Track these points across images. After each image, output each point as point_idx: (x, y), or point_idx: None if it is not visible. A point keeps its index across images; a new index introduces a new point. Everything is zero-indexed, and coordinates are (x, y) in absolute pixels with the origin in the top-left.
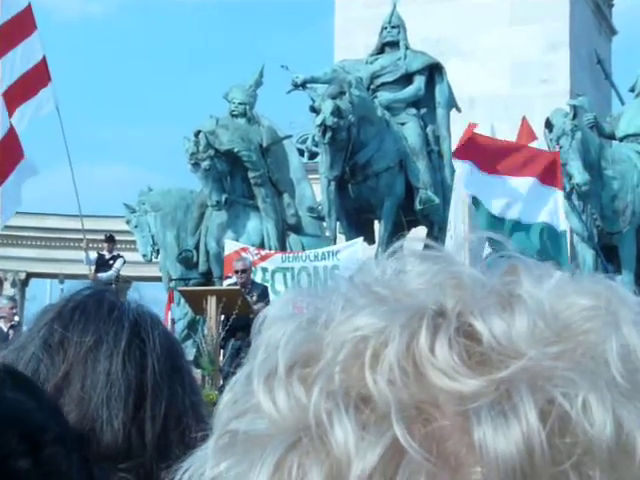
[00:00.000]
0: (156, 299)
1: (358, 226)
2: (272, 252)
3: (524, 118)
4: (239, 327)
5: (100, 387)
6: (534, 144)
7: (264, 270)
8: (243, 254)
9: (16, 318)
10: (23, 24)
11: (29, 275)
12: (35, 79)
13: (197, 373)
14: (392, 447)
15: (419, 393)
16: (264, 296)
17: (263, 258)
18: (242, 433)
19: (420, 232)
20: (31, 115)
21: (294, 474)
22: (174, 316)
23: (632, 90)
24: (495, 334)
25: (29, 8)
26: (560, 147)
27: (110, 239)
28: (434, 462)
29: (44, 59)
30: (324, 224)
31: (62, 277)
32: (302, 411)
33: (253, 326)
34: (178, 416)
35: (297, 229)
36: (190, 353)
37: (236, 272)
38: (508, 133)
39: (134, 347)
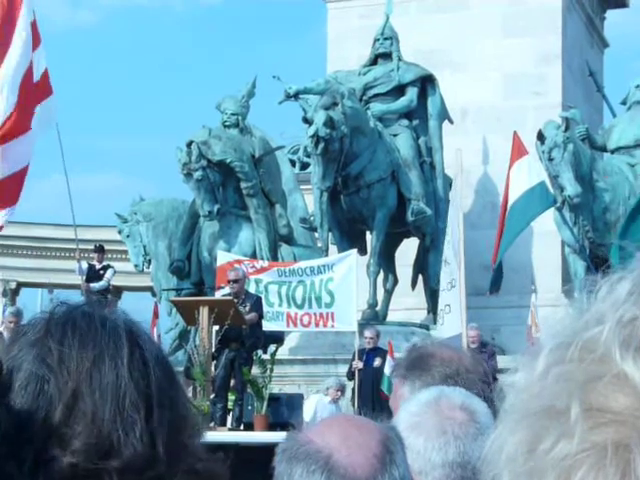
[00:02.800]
0: (147, 309)
1: (350, 237)
2: (267, 265)
3: (515, 133)
4: (232, 338)
5: (110, 400)
6: (524, 159)
7: (258, 282)
8: (236, 266)
9: None
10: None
11: (20, 285)
12: (41, 91)
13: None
14: None
15: None
16: (257, 306)
17: (259, 271)
18: (597, 402)
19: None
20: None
21: None
22: (160, 331)
23: (624, 103)
24: None
25: (34, 23)
26: (552, 159)
27: (100, 249)
28: None
29: (46, 71)
30: (316, 235)
31: (51, 287)
32: None
33: (586, 295)
34: (182, 421)
35: (289, 240)
36: (181, 364)
37: (228, 282)
38: (500, 145)
39: (136, 355)
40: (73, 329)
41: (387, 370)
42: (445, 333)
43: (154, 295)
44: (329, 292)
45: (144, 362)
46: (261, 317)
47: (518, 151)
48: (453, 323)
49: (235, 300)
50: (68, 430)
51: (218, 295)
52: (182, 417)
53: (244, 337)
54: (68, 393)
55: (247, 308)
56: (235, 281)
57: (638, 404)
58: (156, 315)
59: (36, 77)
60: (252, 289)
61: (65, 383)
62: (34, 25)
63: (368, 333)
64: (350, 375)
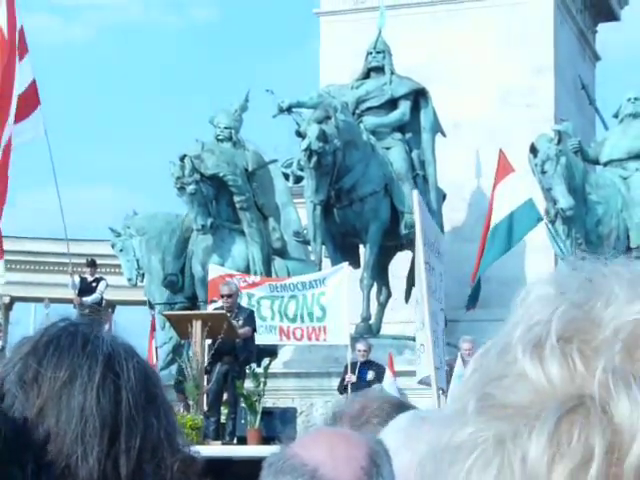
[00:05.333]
0: (141, 323)
1: (343, 250)
2: (259, 280)
3: (501, 151)
4: (224, 352)
5: (75, 422)
6: (510, 178)
7: (250, 296)
8: (228, 280)
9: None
10: (15, 47)
11: (13, 299)
12: (26, 102)
13: (174, 402)
14: None
15: None
16: (250, 320)
17: (251, 286)
18: (500, 397)
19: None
20: (23, 139)
21: (575, 436)
22: (157, 343)
23: (616, 116)
24: None
25: (22, 31)
26: (544, 172)
27: (92, 264)
28: None
29: (34, 82)
30: (309, 248)
31: (47, 302)
32: (580, 381)
33: (514, 302)
34: (153, 448)
35: (282, 253)
36: (174, 378)
37: (222, 296)
38: (492, 158)
39: (108, 381)
40: (55, 349)
41: (385, 384)
42: (421, 372)
43: (152, 308)
44: (321, 306)
45: (116, 388)
46: (254, 331)
47: (503, 169)
48: (426, 363)
49: (228, 314)
50: None
51: (210, 309)
52: (155, 443)
53: (237, 351)
54: (33, 412)
55: (240, 322)
56: (229, 296)
57: (535, 400)
58: (154, 328)
59: (20, 89)
60: (244, 302)
61: (33, 402)
62: (21, 34)
63: (360, 346)
64: (342, 389)
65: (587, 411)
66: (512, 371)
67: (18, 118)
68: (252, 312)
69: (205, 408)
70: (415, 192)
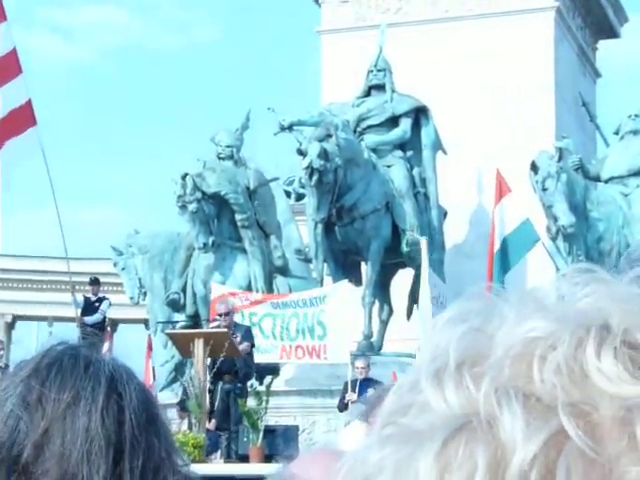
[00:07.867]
0: (143, 342)
1: (345, 268)
2: (261, 298)
3: (498, 171)
4: (224, 370)
5: (80, 443)
6: (507, 198)
7: (252, 315)
8: (230, 298)
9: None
10: (8, 67)
11: (15, 318)
12: (20, 121)
13: (174, 420)
14: (556, 434)
15: (583, 394)
16: (248, 336)
17: (253, 304)
18: (405, 425)
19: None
20: (18, 158)
21: (460, 452)
22: (156, 363)
23: (617, 133)
24: None
25: (14, 51)
26: (545, 189)
27: (95, 282)
28: (595, 450)
29: (29, 102)
30: (311, 266)
31: (51, 320)
32: (471, 402)
33: (425, 331)
34: (155, 467)
35: (284, 271)
36: (177, 396)
37: (219, 315)
38: (493, 176)
39: (112, 402)
40: (57, 371)
41: None
42: None
43: (148, 327)
44: (321, 324)
45: (120, 408)
46: (252, 346)
47: (500, 190)
48: None
49: (231, 332)
50: (37, 468)
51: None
52: (157, 462)
53: (237, 369)
54: (39, 433)
55: (237, 339)
56: (226, 314)
57: (436, 424)
58: (150, 348)
59: (12, 106)
60: (247, 322)
61: (38, 423)
62: (14, 55)
63: (359, 363)
64: (342, 407)
65: (474, 428)
66: (418, 400)
67: (10, 135)
68: (249, 328)
69: (211, 427)
70: (423, 239)
